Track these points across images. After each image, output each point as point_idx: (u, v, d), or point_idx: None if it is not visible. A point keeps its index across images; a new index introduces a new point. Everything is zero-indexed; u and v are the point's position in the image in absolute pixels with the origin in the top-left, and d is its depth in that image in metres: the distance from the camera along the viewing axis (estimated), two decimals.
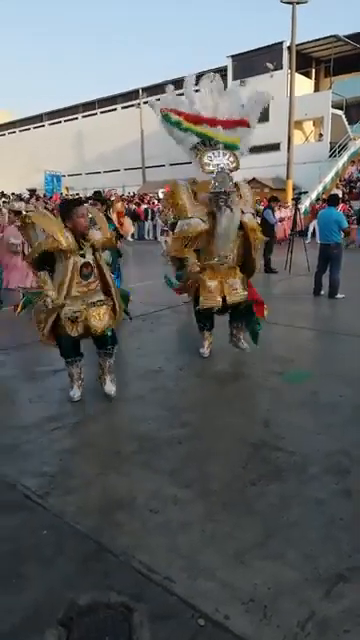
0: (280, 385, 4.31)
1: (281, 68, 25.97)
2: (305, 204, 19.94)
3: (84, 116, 38.03)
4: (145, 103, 31.95)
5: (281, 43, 25.49)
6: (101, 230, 3.86)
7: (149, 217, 21.05)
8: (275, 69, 26.34)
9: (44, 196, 22.45)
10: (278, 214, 14.82)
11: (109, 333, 3.95)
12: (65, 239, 3.62)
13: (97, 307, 3.84)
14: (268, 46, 26.58)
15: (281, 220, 15.06)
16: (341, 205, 13.22)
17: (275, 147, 25.92)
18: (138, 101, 32.39)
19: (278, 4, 20.08)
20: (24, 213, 4.50)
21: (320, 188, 22.71)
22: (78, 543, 2.36)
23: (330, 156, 25.04)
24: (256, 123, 4.87)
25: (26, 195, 25.65)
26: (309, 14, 76.30)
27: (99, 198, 7.84)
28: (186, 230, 4.53)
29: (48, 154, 35.69)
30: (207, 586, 2.07)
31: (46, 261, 3.75)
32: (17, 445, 3.31)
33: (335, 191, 17.86)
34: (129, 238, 20.15)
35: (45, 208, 14.30)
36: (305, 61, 26.72)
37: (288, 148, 21.84)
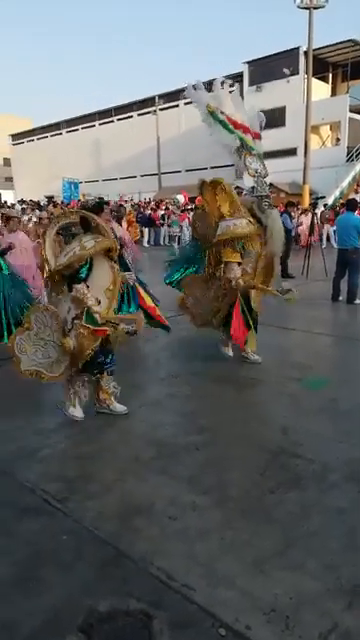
0: (298, 391, 4.27)
1: (298, 73, 25.94)
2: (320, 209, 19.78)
3: (101, 124, 38.45)
4: (162, 110, 32.25)
5: (297, 48, 25.48)
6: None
7: (165, 223, 21.11)
8: (292, 74, 26.31)
9: (62, 203, 22.69)
10: (304, 219, 14.70)
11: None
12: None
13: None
14: (284, 51, 26.58)
15: (299, 225, 14.99)
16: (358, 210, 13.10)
17: (292, 152, 25.85)
18: (154, 108, 32.60)
19: (295, 9, 20.09)
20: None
21: (337, 193, 22.54)
22: (97, 548, 2.36)
23: (347, 160, 24.85)
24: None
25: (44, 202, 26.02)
26: (326, 18, 76.16)
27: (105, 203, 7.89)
28: (230, 231, 4.37)
29: (66, 161, 36.15)
30: (227, 595, 2.05)
31: (75, 271, 3.45)
32: (37, 450, 3.34)
33: (353, 196, 17.69)
34: (145, 244, 20.28)
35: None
36: (322, 66, 26.64)
37: (305, 153, 21.74)
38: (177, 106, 32.74)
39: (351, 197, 10.98)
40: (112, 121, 37.76)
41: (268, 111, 27.01)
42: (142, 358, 5.34)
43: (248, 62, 28.16)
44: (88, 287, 3.43)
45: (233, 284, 4.47)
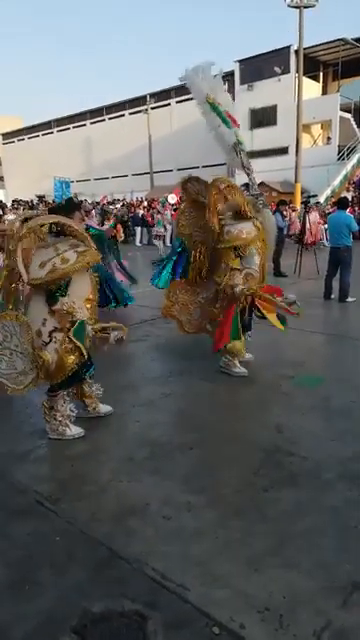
0: (292, 390, 4.28)
1: (289, 72, 26.01)
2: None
3: (92, 122, 38.33)
4: (153, 109, 32.18)
5: (288, 47, 25.54)
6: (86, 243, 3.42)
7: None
8: (283, 73, 26.37)
9: (53, 202, 22.59)
10: (313, 217, 14.63)
11: None
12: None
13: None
14: (275, 50, 26.64)
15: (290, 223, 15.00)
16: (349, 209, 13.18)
17: (283, 151, 25.94)
18: (145, 107, 32.55)
19: (285, 8, 20.14)
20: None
21: (329, 191, 22.65)
22: (91, 550, 2.35)
23: (339, 159, 24.98)
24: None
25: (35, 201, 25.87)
26: (316, 17, 76.41)
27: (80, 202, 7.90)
28: (242, 238, 4.21)
29: (57, 160, 35.98)
30: (221, 594, 2.05)
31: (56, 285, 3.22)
32: (29, 451, 3.32)
33: (344, 194, 17.77)
34: (137, 243, 20.19)
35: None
36: (313, 64, 26.76)
37: (296, 151, 21.82)
38: (168, 105, 32.73)
39: (342, 195, 11.02)
40: (103, 120, 37.65)
41: (259, 110, 27.33)
42: (134, 358, 5.32)
43: (239, 61, 28.18)
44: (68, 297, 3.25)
45: (236, 291, 4.28)
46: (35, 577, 2.18)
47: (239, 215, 4.28)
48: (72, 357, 3.25)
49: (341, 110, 25.82)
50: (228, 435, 3.49)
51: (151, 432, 3.56)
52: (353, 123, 26.49)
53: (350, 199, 10.98)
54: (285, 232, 12.53)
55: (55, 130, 41.35)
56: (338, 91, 26.62)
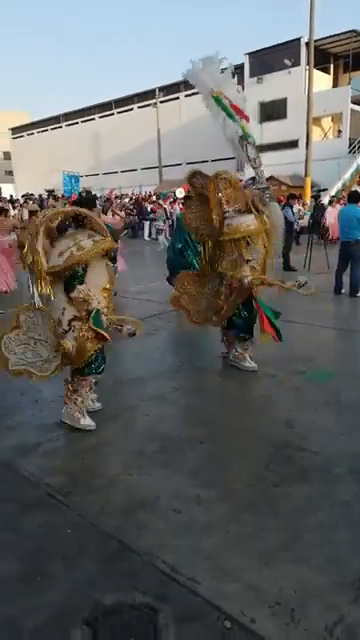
0: (302, 384, 4.26)
1: (299, 64, 25.72)
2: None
3: (101, 117, 38.26)
4: (162, 102, 32.00)
5: (299, 39, 25.24)
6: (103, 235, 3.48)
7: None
8: (293, 65, 26.08)
9: (62, 196, 22.62)
10: (334, 211, 14.47)
11: None
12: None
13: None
14: (285, 42, 26.34)
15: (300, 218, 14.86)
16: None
17: (293, 144, 25.70)
18: (154, 100, 32.40)
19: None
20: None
21: (340, 185, 22.41)
22: (102, 542, 2.36)
23: (349, 152, 24.71)
24: None
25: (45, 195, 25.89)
26: (327, 9, 75.35)
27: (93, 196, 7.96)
28: (244, 230, 4.19)
29: (66, 155, 35.99)
30: (232, 588, 2.05)
31: (73, 272, 3.28)
32: (40, 444, 3.33)
33: (355, 188, 17.59)
34: (146, 237, 20.15)
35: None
36: (323, 57, 26.43)
37: (307, 145, 21.60)
38: (177, 98, 32.55)
39: (353, 189, 10.89)
40: (112, 114, 37.56)
41: (269, 103, 27.09)
42: (143, 352, 5.31)
43: (249, 53, 27.91)
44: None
45: (245, 283, 4.26)
46: (46, 569, 2.19)
47: (246, 208, 4.26)
48: (90, 344, 3.33)
49: (352, 103, 25.49)
50: (238, 429, 3.48)
51: (161, 426, 3.56)
52: None
53: None
54: (296, 226, 12.44)
55: (64, 124, 41.35)
56: (349, 83, 26.28)
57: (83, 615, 1.91)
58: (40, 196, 24.94)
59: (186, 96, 32.59)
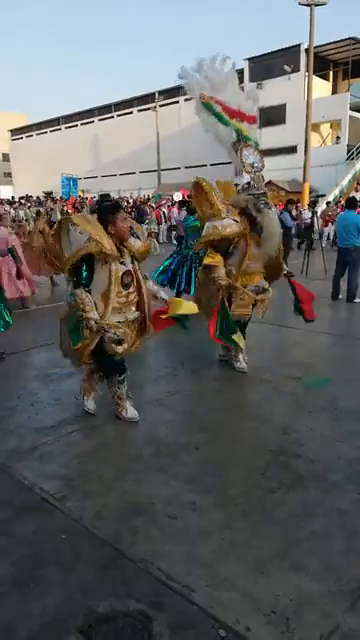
0: (299, 390, 4.25)
1: (298, 70, 25.86)
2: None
3: (100, 119, 38.33)
4: (162, 106, 32.10)
5: (298, 45, 25.40)
6: (140, 239, 3.61)
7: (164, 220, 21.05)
8: (292, 71, 26.22)
9: (60, 199, 22.63)
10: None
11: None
12: (109, 243, 3.32)
13: (132, 327, 3.62)
14: (285, 48, 26.50)
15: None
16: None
17: (292, 150, 25.81)
18: (154, 104, 32.51)
19: (295, 6, 20.01)
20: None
21: (337, 191, 22.51)
22: (96, 548, 2.34)
23: (348, 159, 24.82)
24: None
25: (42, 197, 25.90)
26: (327, 16, 75.86)
27: (108, 201, 7.87)
28: (217, 232, 4.18)
29: (65, 157, 36.04)
30: (227, 596, 2.03)
31: (78, 273, 3.38)
32: (35, 448, 3.31)
33: (353, 194, 17.67)
34: None
35: (62, 210, 14.38)
36: (323, 63, 26.59)
37: (305, 151, 21.70)
38: (177, 102, 32.63)
39: (351, 196, 10.94)
40: (112, 117, 37.64)
41: (268, 108, 27.17)
42: (139, 356, 5.29)
43: (249, 59, 28.06)
44: (89, 291, 3.35)
45: (217, 283, 4.28)
46: (41, 575, 2.17)
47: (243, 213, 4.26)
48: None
49: (351, 109, 25.64)
50: (234, 435, 3.47)
51: (157, 431, 3.54)
52: None
53: (359, 199, 10.83)
54: (294, 231, 12.46)
55: (63, 127, 41.41)
56: (348, 90, 26.44)
57: (77, 622, 1.89)
58: (38, 198, 24.92)
59: (186, 100, 32.65)
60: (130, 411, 3.70)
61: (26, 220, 11.78)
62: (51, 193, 27.37)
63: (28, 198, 25.35)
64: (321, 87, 26.68)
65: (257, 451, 3.22)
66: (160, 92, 33.12)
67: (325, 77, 28.09)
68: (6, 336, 5.39)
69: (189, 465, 3.06)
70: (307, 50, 21.92)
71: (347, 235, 7.81)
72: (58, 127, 41.87)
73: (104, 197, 9.05)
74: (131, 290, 3.50)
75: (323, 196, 21.24)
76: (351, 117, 25.65)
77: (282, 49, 26.65)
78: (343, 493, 2.73)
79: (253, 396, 4.29)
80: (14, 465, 3.10)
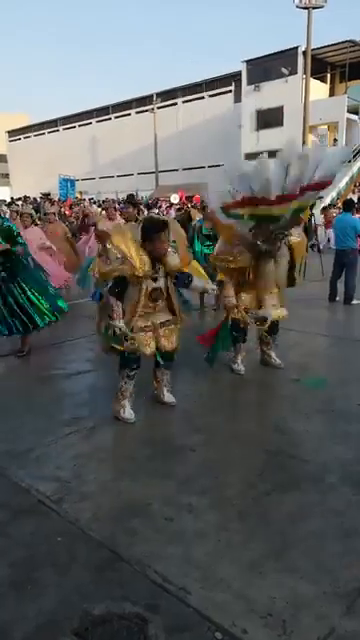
0: (296, 392, 4.26)
1: (296, 73, 25.96)
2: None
3: (98, 121, 38.39)
4: (160, 108, 32.13)
5: (296, 48, 25.50)
6: (179, 254, 3.66)
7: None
8: (290, 74, 26.32)
9: (58, 200, 22.59)
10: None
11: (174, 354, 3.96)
12: (141, 264, 3.42)
13: (167, 327, 3.77)
14: (283, 51, 26.62)
15: None
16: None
17: None
18: (152, 106, 32.56)
19: (293, 9, 20.07)
20: (102, 228, 4.40)
21: (334, 193, 22.56)
22: (92, 550, 2.33)
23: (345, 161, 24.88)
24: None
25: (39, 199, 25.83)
26: (325, 19, 76.23)
27: (132, 201, 7.88)
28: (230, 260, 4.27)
29: (63, 158, 36.05)
30: (223, 598, 2.03)
31: (118, 283, 3.57)
32: (31, 449, 3.30)
33: (350, 196, 17.72)
34: None
35: (60, 212, 14.34)
36: (320, 66, 26.70)
37: None
38: (175, 104, 32.72)
39: (348, 198, 10.98)
40: (109, 119, 37.70)
41: (266, 110, 27.28)
42: None
43: (247, 61, 28.16)
44: (121, 301, 3.55)
45: (224, 302, 4.55)
46: (37, 577, 2.17)
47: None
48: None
49: (348, 112, 25.75)
50: (230, 437, 3.47)
51: (153, 432, 3.54)
52: None
53: (356, 201, 10.92)
54: None
55: (61, 128, 41.44)
56: (345, 93, 26.56)
57: (73, 624, 1.89)
58: (35, 199, 24.86)
59: (183, 102, 32.81)
60: (127, 412, 3.71)
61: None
62: (49, 194, 27.33)
63: (25, 199, 25.28)
64: (318, 89, 26.80)
65: (253, 452, 3.21)
66: (158, 94, 33.16)
67: (323, 79, 28.20)
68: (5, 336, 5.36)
69: (185, 467, 3.06)
70: (305, 52, 21.97)
71: (344, 237, 7.83)
72: (56, 128, 41.92)
73: (130, 197, 9.06)
74: (158, 302, 3.68)
75: (320, 198, 21.27)
76: (348, 119, 25.77)
77: (280, 51, 26.78)
78: (339, 494, 2.73)
79: (250, 397, 4.29)
80: (10, 467, 3.09)
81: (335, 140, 26.88)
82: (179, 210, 18.91)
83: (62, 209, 18.25)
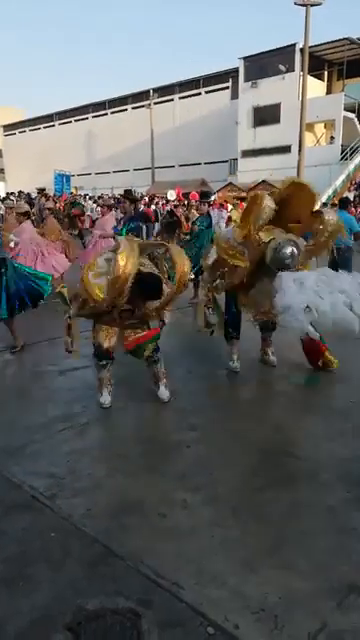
0: (290, 389, 4.27)
1: (293, 70, 25.93)
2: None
3: (94, 116, 38.20)
4: (156, 104, 32.04)
5: (293, 45, 25.47)
6: (175, 268, 3.52)
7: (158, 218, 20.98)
8: (287, 71, 26.30)
9: (54, 195, 22.46)
10: None
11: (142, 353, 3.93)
12: (120, 297, 3.33)
13: (133, 329, 3.84)
14: (280, 48, 26.57)
15: None
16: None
17: (286, 149, 25.89)
18: (149, 102, 32.43)
19: (291, 5, 20.02)
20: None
21: (330, 191, 22.62)
22: (86, 546, 2.33)
23: (341, 159, 24.95)
24: None
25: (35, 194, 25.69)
26: (322, 16, 76.16)
27: (129, 197, 7.83)
28: (232, 255, 4.16)
29: (58, 153, 35.88)
30: (216, 594, 2.04)
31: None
32: (25, 445, 3.30)
33: (346, 194, 17.77)
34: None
35: (54, 207, 14.25)
36: (317, 63, 26.69)
37: (299, 150, 21.76)
38: (172, 100, 32.60)
39: (344, 196, 10.99)
40: (106, 114, 37.53)
41: (263, 107, 27.25)
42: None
43: (244, 58, 28.09)
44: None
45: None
46: (30, 573, 2.17)
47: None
48: None
49: (345, 110, 25.78)
50: (226, 434, 3.48)
51: (148, 429, 3.55)
52: (357, 123, 26.44)
53: (352, 199, 10.93)
54: None
55: (57, 123, 41.20)
56: (342, 90, 26.57)
57: (66, 620, 1.88)
58: (28, 194, 24.70)
59: (180, 98, 32.68)
60: (103, 397, 3.87)
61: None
62: (44, 189, 27.20)
63: (20, 194, 25.13)
64: (316, 87, 26.80)
65: (248, 450, 3.22)
66: (155, 90, 33.03)
67: (320, 77, 28.21)
68: None
69: (180, 463, 3.07)
70: (302, 50, 21.96)
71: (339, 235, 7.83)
72: (52, 123, 41.67)
73: (127, 192, 8.97)
74: (130, 320, 3.72)
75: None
76: (345, 117, 25.80)
77: (277, 48, 26.73)
78: (333, 492, 2.74)
79: (245, 395, 4.30)
80: (4, 463, 3.08)
81: (332, 138, 26.91)
82: (176, 207, 18.88)
83: (57, 204, 18.15)
